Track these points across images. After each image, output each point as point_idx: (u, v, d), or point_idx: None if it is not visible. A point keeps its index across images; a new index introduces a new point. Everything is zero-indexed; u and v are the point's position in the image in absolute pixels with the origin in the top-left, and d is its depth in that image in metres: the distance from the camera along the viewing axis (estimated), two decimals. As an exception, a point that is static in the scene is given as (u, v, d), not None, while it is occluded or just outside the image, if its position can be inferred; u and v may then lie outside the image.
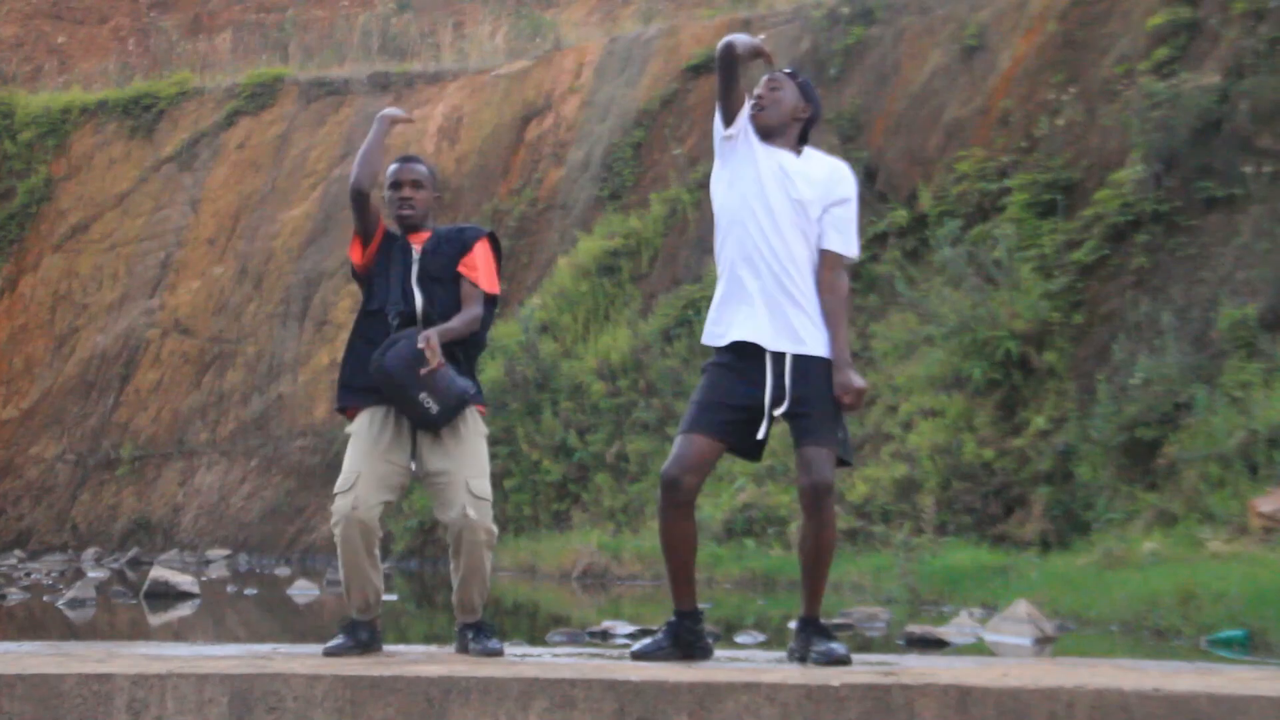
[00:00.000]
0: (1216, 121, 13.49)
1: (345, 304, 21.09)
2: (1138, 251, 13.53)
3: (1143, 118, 13.75)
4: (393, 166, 5.75)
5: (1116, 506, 12.08)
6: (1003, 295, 13.85)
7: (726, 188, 5.38)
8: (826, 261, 5.30)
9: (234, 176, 22.92)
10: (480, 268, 5.65)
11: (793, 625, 5.37)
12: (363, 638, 5.50)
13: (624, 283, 18.52)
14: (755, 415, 5.20)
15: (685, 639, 5.28)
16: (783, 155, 5.37)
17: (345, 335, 22.72)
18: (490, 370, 17.67)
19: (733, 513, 14.55)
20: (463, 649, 5.59)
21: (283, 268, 21.84)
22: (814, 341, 5.21)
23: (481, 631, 5.54)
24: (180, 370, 21.93)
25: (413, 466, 5.53)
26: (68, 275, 23.12)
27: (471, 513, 5.42)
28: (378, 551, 5.55)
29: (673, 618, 5.32)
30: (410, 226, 5.71)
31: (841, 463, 5.22)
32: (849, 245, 5.33)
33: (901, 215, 15.99)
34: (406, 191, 5.68)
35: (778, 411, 5.17)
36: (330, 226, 21.54)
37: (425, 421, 5.44)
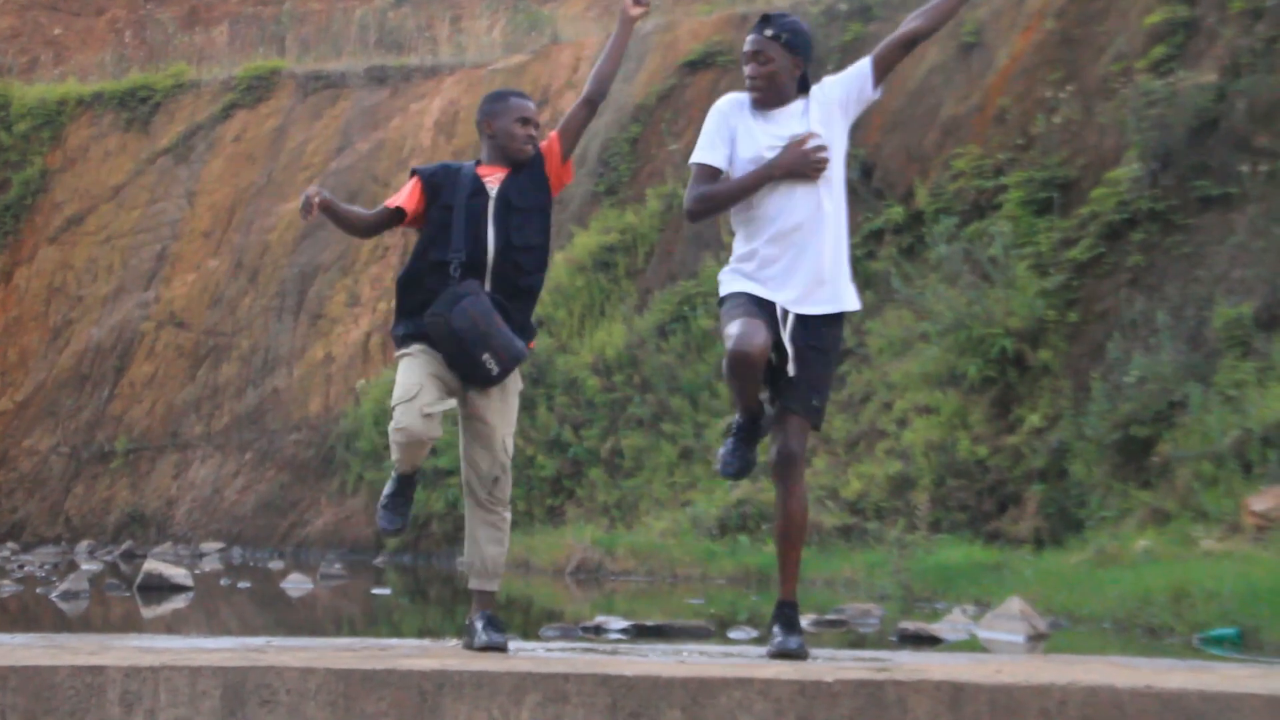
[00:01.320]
0: (1213, 120, 13.50)
1: (340, 298, 21.09)
2: (1133, 250, 13.54)
3: (1139, 116, 13.75)
4: (516, 99, 5.77)
5: (1110, 504, 12.10)
6: (998, 293, 13.86)
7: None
8: (897, 42, 5.45)
9: (230, 169, 22.90)
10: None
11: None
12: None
13: (620, 278, 18.52)
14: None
15: (750, 437, 5.41)
16: (784, 128, 5.38)
17: (340, 329, 22.68)
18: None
19: (726, 509, 14.56)
20: (469, 642, 5.56)
21: (278, 261, 21.83)
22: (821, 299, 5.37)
23: (491, 623, 5.50)
24: (175, 363, 21.92)
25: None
26: (63, 267, 23.10)
27: (501, 471, 5.52)
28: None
29: (741, 420, 5.38)
30: (514, 161, 5.70)
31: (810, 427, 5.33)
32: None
33: (898, 212, 15.99)
34: (533, 130, 5.73)
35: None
36: (326, 221, 21.50)
37: (482, 379, 5.50)
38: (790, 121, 5.40)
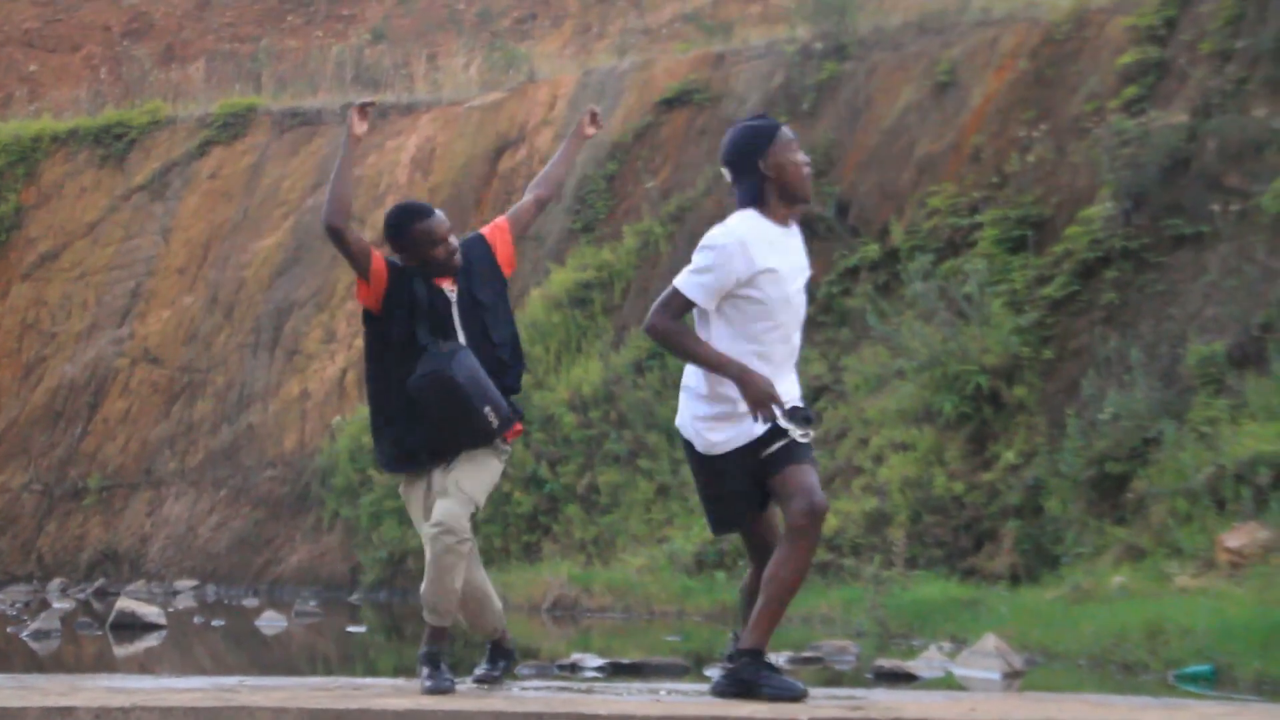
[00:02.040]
0: (1185, 160, 13.60)
1: (316, 334, 21.04)
2: (1107, 288, 13.61)
3: (1112, 155, 13.85)
4: (425, 223, 5.56)
5: (1085, 541, 12.12)
6: (973, 330, 13.91)
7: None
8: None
9: (205, 206, 22.87)
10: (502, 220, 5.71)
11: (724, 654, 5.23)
12: (500, 664, 5.58)
13: (596, 315, 18.52)
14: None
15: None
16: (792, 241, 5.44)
17: (315, 366, 22.64)
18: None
19: (703, 546, 14.54)
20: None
21: (253, 298, 21.78)
22: None
23: (435, 666, 5.37)
24: (149, 400, 21.83)
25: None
26: (36, 304, 23.00)
27: (449, 503, 5.33)
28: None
29: (767, 659, 5.13)
30: (446, 271, 5.58)
31: None
32: None
33: (873, 249, 16.05)
34: (454, 243, 5.59)
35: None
36: (302, 256, 21.49)
37: (481, 435, 5.39)
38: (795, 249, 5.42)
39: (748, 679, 5.01)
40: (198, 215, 22.83)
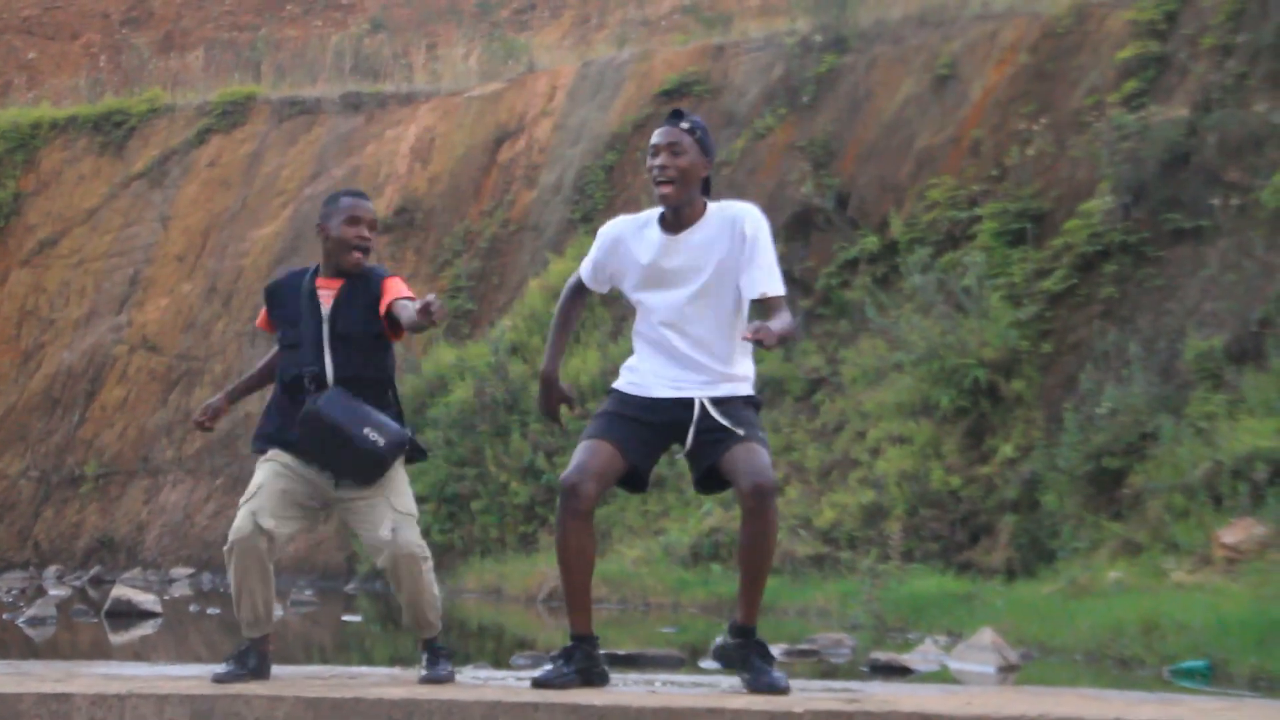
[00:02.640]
0: (1185, 154, 13.60)
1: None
2: (1106, 282, 13.61)
3: (1112, 149, 13.85)
4: (348, 199, 5.39)
5: (1082, 535, 12.13)
6: (972, 323, 13.91)
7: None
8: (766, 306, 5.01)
9: (204, 194, 22.85)
10: (405, 292, 5.34)
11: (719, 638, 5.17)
12: (250, 664, 5.32)
13: (594, 305, 18.52)
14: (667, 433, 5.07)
15: (582, 665, 4.97)
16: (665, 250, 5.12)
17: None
18: (459, 391, 17.62)
19: (699, 537, 14.54)
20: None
21: (252, 286, 21.76)
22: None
23: (436, 655, 5.40)
24: (147, 388, 21.82)
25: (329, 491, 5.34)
26: (35, 291, 22.99)
27: (401, 530, 5.21)
28: (271, 566, 5.33)
29: (569, 643, 4.99)
30: (343, 268, 5.37)
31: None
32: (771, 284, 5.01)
33: (872, 242, 16.04)
34: (366, 231, 5.35)
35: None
36: (300, 246, 21.47)
37: (371, 458, 5.19)
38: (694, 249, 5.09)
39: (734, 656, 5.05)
40: (196, 203, 22.81)
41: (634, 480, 5.12)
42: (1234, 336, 12.29)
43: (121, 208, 23.20)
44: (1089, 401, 12.73)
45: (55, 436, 21.90)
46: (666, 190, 5.07)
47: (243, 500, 5.34)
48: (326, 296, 5.40)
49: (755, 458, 4.91)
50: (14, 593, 16.28)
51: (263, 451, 5.46)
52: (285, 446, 5.37)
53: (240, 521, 5.27)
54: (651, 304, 5.15)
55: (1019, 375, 13.67)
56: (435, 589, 5.39)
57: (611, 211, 19.49)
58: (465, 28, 27.10)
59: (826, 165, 17.06)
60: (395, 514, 5.25)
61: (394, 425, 5.28)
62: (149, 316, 22.21)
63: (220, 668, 5.27)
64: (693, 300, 5.07)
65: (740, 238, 5.05)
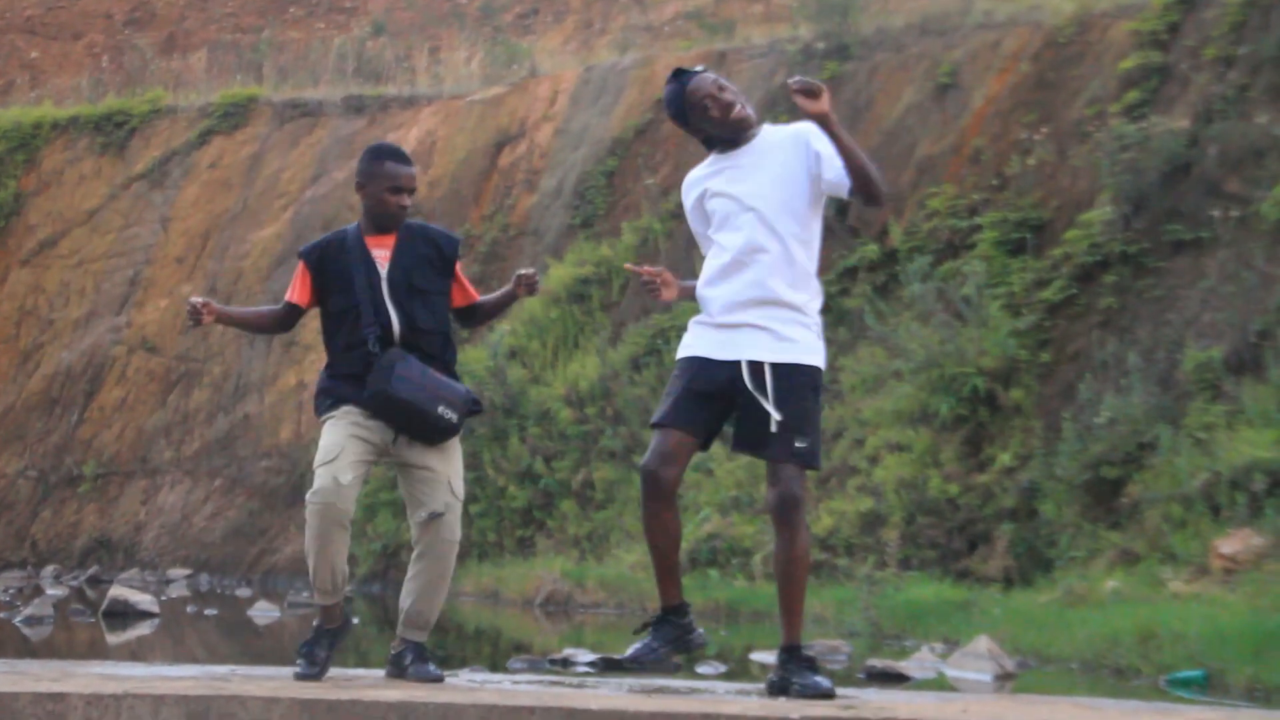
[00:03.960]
0: (1185, 165, 13.61)
1: (313, 325, 20.96)
2: (1105, 292, 13.62)
3: (1113, 160, 13.86)
4: (393, 166, 5.48)
5: (1079, 545, 12.12)
6: (971, 332, 13.91)
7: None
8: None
9: (205, 196, 22.86)
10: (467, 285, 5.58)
11: (754, 656, 5.28)
12: (323, 656, 5.42)
13: (594, 310, 18.53)
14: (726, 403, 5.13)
15: (674, 635, 5.19)
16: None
17: (313, 357, 22.65)
18: (458, 395, 17.60)
19: (697, 543, 14.54)
20: (397, 673, 5.45)
21: (252, 288, 21.77)
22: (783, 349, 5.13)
23: (421, 655, 5.43)
24: (146, 388, 21.81)
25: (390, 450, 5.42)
26: (34, 291, 22.99)
27: (450, 514, 5.34)
28: (348, 529, 5.41)
29: (660, 614, 5.20)
30: (386, 227, 5.50)
31: (810, 466, 5.13)
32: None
33: (872, 250, 16.05)
34: (407, 200, 5.49)
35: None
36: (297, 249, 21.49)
37: (443, 431, 5.36)
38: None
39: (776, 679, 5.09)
40: (197, 205, 22.82)
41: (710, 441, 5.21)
42: (1233, 347, 12.30)
43: (122, 208, 23.20)
44: (1087, 411, 12.73)
45: (54, 436, 21.89)
46: (741, 113, 5.20)
47: (320, 462, 5.36)
48: (381, 256, 5.48)
49: (783, 470, 4.98)
50: (11, 592, 16.27)
51: (330, 409, 5.50)
52: (353, 403, 5.42)
53: (322, 483, 5.31)
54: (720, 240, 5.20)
55: (1018, 384, 13.67)
56: (448, 587, 5.46)
57: (612, 217, 19.51)
58: (468, 31, 27.12)
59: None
60: (452, 497, 5.37)
61: (461, 390, 5.42)
62: (148, 317, 22.21)
63: (299, 666, 5.35)
64: (757, 223, 5.13)
65: (804, 146, 5.21)
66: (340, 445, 5.35)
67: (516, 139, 21.22)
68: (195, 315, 5.56)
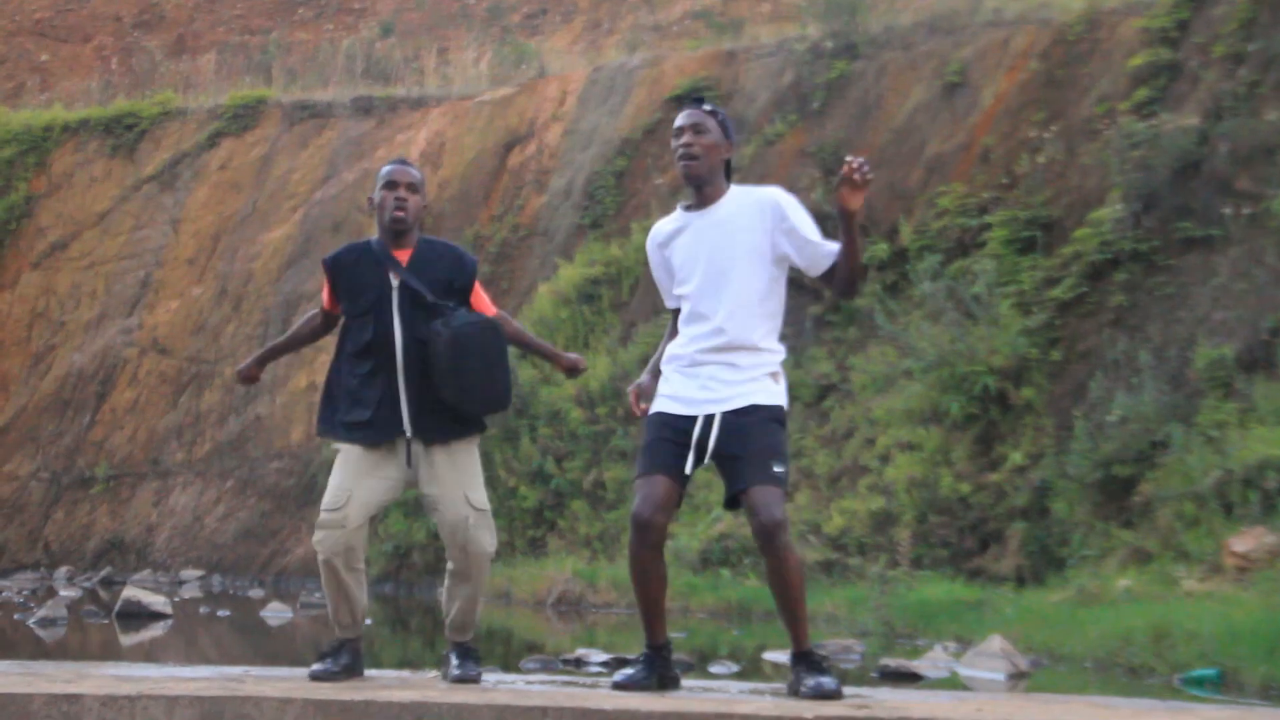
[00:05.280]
0: (1196, 163, 13.58)
1: (324, 327, 21.05)
2: (1116, 290, 13.60)
3: (1123, 157, 13.84)
4: (387, 167, 5.58)
5: (1092, 543, 12.11)
6: (981, 331, 13.89)
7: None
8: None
9: (215, 197, 22.89)
10: (488, 304, 5.60)
11: (766, 655, 5.34)
12: (345, 661, 5.45)
13: (604, 310, 18.53)
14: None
15: (660, 669, 5.29)
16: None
17: (324, 358, 22.73)
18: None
19: (709, 542, 14.54)
20: (444, 673, 5.53)
21: (262, 289, 21.80)
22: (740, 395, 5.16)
23: (465, 655, 5.50)
24: (157, 390, 21.85)
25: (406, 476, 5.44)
26: (46, 293, 23.04)
27: (480, 528, 5.38)
28: (363, 566, 5.46)
29: (647, 650, 5.30)
30: (398, 234, 5.52)
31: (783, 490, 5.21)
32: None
33: (882, 249, 16.04)
34: (403, 193, 5.48)
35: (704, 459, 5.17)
36: (311, 249, 21.51)
37: (491, 402, 5.38)
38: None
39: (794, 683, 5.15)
40: (207, 206, 22.85)
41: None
42: (1245, 345, 12.28)
43: (132, 210, 23.24)
44: (1099, 409, 12.72)
45: (66, 438, 21.94)
46: (692, 165, 5.19)
47: (327, 506, 5.38)
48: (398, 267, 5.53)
49: (763, 494, 5.05)
50: (25, 593, 16.30)
51: (330, 434, 5.53)
52: (355, 436, 5.42)
53: (329, 531, 5.34)
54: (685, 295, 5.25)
55: (1029, 383, 13.66)
56: (484, 593, 5.57)
57: (621, 217, 19.52)
58: (476, 32, 27.14)
59: (837, 171, 17.04)
60: (474, 511, 5.39)
61: (505, 392, 5.44)
62: (159, 319, 22.25)
63: (316, 665, 5.38)
64: (716, 279, 5.16)
65: (778, 216, 5.17)
66: (348, 491, 5.36)
67: (525, 139, 21.23)
68: (247, 380, 5.76)
